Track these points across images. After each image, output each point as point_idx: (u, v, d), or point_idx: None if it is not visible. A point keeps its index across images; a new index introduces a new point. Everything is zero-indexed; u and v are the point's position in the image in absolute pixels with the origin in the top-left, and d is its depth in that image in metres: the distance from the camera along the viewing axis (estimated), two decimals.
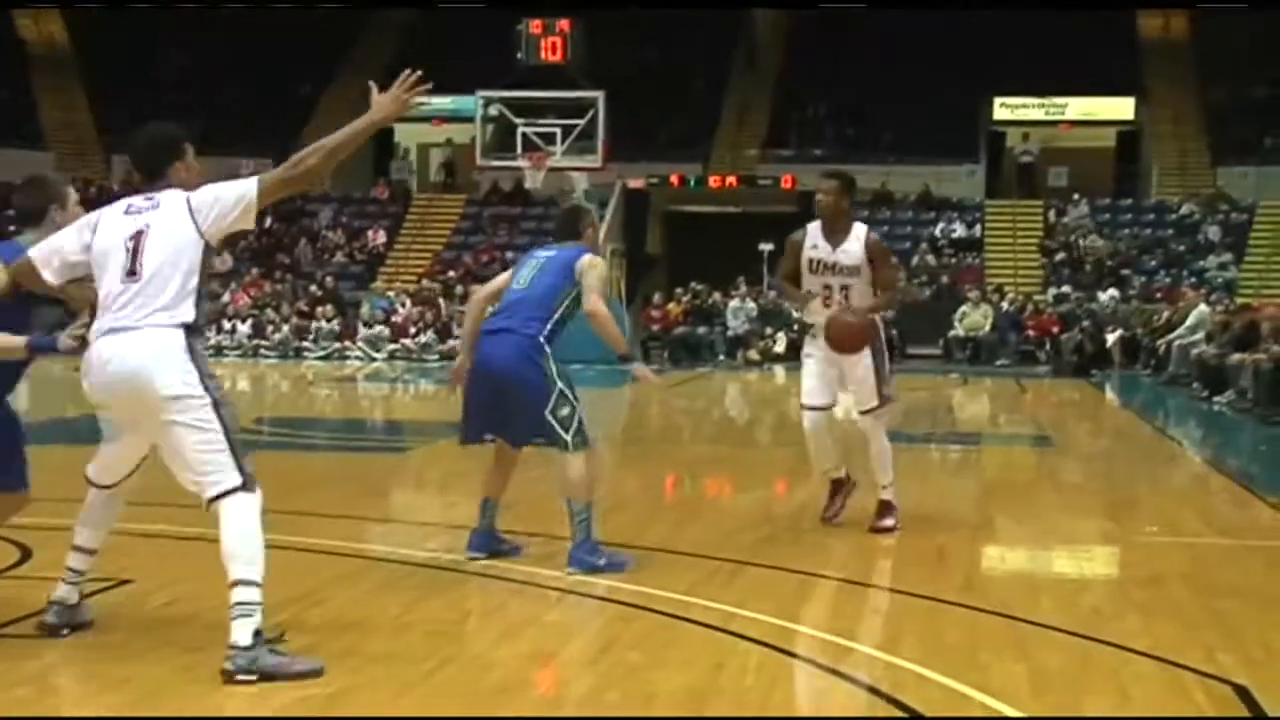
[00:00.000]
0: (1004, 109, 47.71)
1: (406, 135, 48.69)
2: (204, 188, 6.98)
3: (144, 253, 6.79)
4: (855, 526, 11.67)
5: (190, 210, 6.84)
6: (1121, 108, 48.27)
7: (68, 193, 7.27)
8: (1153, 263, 40.69)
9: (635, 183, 41.83)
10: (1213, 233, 42.24)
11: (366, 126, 7.58)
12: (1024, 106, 48.03)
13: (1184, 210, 44.12)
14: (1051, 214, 43.88)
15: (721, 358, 36.23)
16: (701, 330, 37.50)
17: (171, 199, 6.93)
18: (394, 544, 10.60)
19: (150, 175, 7.16)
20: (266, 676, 6.49)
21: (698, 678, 6.99)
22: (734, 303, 37.72)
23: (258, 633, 6.59)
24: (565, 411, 9.34)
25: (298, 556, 9.43)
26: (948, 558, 10.54)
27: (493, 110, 39.22)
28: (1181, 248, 41.96)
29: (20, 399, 8.38)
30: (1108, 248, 41.53)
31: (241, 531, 6.76)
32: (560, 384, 9.38)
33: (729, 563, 9.82)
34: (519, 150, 38.45)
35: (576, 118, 37.96)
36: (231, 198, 6.86)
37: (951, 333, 36.74)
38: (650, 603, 8.46)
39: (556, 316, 9.56)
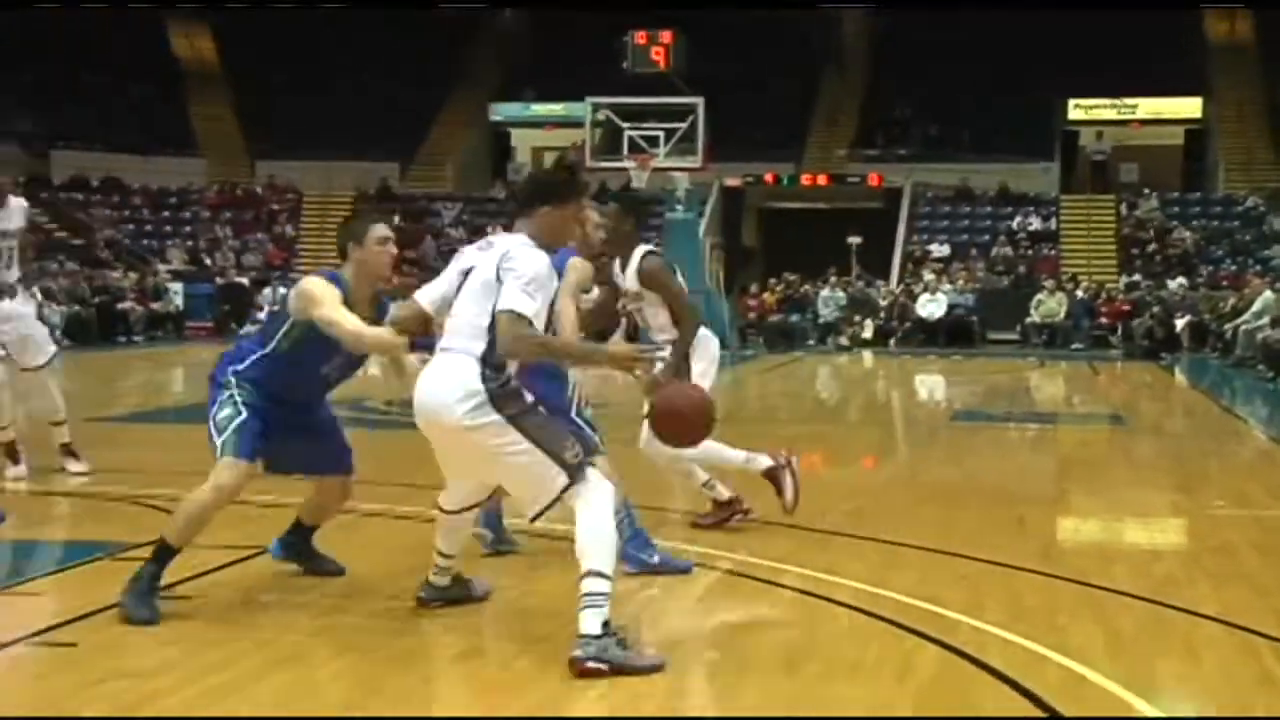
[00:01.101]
0: (1078, 109, 47.31)
1: (522, 140, 48.84)
2: (519, 266, 6.47)
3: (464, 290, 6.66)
4: (938, 499, 11.60)
5: (499, 266, 6.50)
6: (1189, 107, 47.76)
7: (367, 230, 7.20)
8: (1219, 252, 40.22)
9: (732, 181, 41.78)
10: (1277, 224, 41.72)
11: (592, 355, 7.36)
12: (1096, 107, 47.61)
13: (1249, 203, 43.63)
14: (1123, 208, 43.45)
15: (812, 343, 36.06)
16: (794, 318, 37.37)
17: (504, 244, 6.67)
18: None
19: (519, 211, 6.97)
20: (615, 669, 6.13)
21: (793, 637, 6.97)
22: (824, 292, 37.58)
23: (606, 624, 6.21)
24: None
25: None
26: (1027, 528, 10.45)
27: (601, 116, 39.25)
28: (1247, 238, 41.50)
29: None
30: (1192, 240, 41.12)
31: (587, 525, 6.40)
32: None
33: (820, 533, 9.76)
34: (625, 152, 38.46)
35: (678, 121, 37.93)
36: (516, 292, 6.38)
37: (1028, 319, 36.45)
38: (747, 569, 8.43)
39: None
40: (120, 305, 35.13)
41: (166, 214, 42.69)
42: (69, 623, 7.02)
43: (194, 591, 7.63)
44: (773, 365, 30.39)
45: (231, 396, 7.10)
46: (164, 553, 6.94)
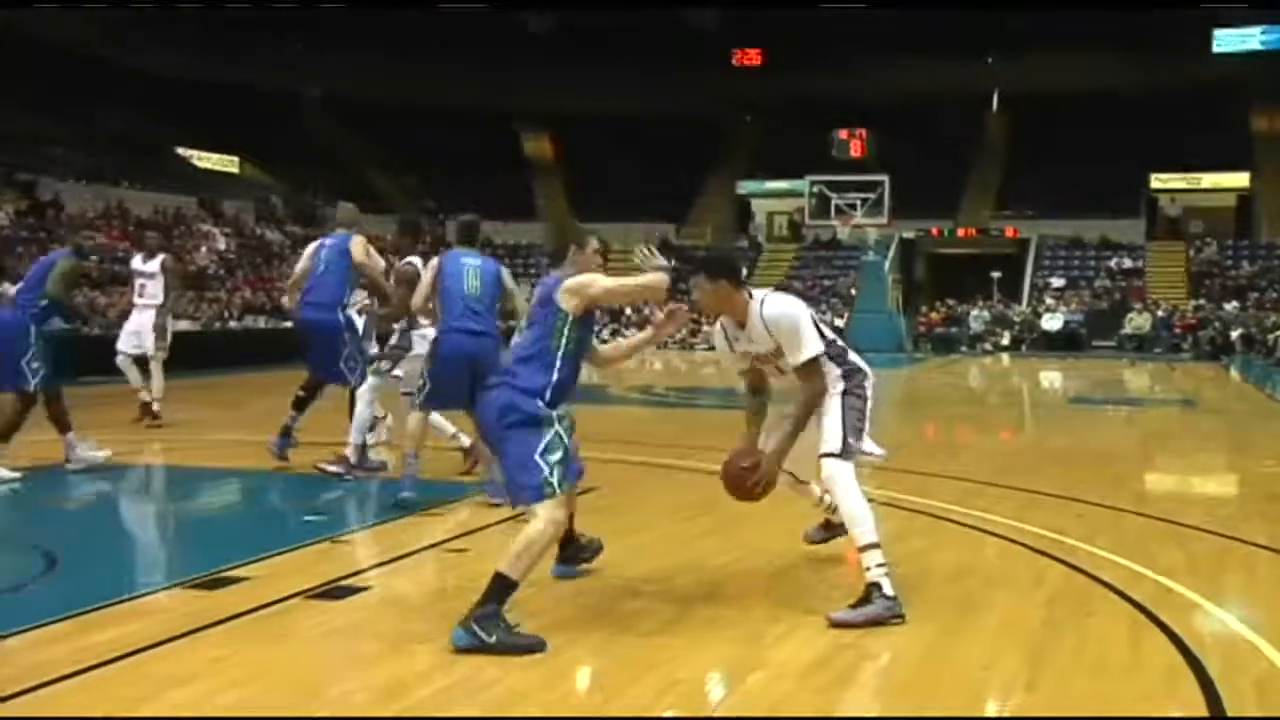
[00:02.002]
0: (1158, 180, 45.69)
1: (759, 206, 48.69)
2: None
3: None
4: (1060, 460, 11.36)
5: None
6: (1240, 179, 45.94)
7: (588, 241, 6.74)
8: (1264, 283, 38.45)
9: (909, 234, 41.30)
10: None
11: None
12: (1172, 179, 45.98)
13: None
14: (1191, 251, 41.92)
15: (965, 348, 35.34)
16: (953, 330, 36.71)
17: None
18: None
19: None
20: (871, 621, 5.26)
21: (960, 557, 6.89)
22: (974, 311, 36.88)
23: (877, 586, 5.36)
24: None
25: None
26: (1124, 480, 10.16)
27: (815, 189, 39.22)
28: None
29: None
30: (1243, 274, 39.53)
31: (839, 497, 5.57)
32: None
33: (976, 483, 9.60)
34: (833, 215, 38.53)
35: (870, 192, 37.92)
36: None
37: (1122, 331, 35.43)
38: (926, 508, 8.33)
39: None
40: None
41: (519, 262, 43.41)
42: (459, 536, 7.23)
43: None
44: (938, 365, 29.90)
45: (557, 434, 5.18)
46: (504, 588, 5.00)
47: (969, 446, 13.91)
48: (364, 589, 5.91)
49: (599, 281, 5.56)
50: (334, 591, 5.78)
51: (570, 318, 5.41)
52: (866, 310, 35.14)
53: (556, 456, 5.17)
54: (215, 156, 42.30)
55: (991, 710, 4.46)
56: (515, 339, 6.10)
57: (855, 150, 44.08)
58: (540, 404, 5.25)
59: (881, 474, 9.99)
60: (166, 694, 4.29)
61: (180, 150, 40.30)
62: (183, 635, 4.95)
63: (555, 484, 5.14)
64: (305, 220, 38.91)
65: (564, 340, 5.39)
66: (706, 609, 5.61)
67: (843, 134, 44.35)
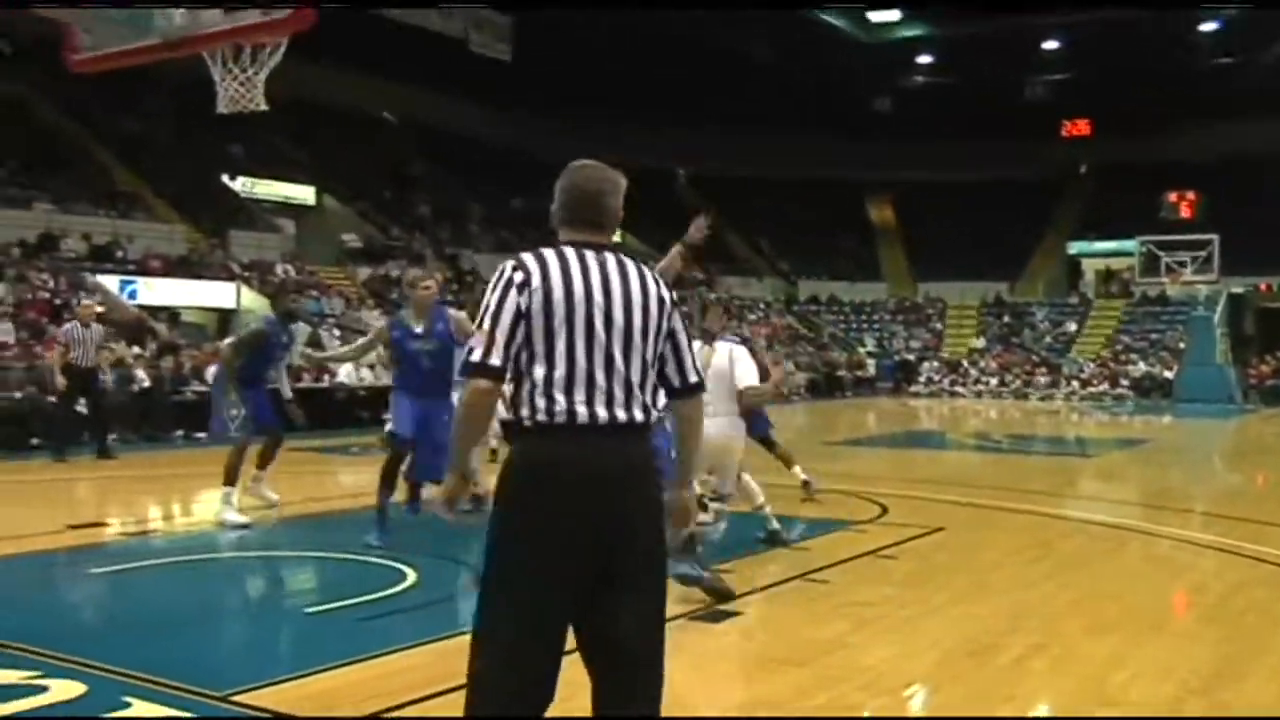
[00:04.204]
0: None
1: (1089, 265, 46.51)
2: None
3: None
4: None
5: None
6: None
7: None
8: None
9: (1236, 289, 38.56)
10: None
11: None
12: None
13: None
14: None
15: None
16: None
17: None
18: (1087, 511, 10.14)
19: None
20: None
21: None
22: None
23: None
24: None
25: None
26: None
27: (1144, 248, 37.35)
28: None
29: None
30: None
31: None
32: None
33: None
34: (1162, 272, 36.61)
35: (1199, 251, 35.83)
36: None
37: None
38: (1264, 555, 7.69)
39: None
40: (837, 373, 35.79)
41: (863, 317, 43.09)
42: (824, 568, 7.20)
43: (897, 553, 7.73)
44: (1268, 416, 27.67)
45: None
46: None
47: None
48: (737, 614, 6.02)
49: None
50: (713, 615, 5.91)
51: None
52: (1196, 363, 33.17)
53: None
54: None
55: None
56: None
57: (1184, 211, 41.69)
58: None
59: (1218, 522, 9.42)
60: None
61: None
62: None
63: None
64: (676, 284, 40.00)
65: None
66: (1055, 646, 5.41)
67: (1172, 197, 42.04)
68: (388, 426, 8.61)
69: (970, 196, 44.47)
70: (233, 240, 28.00)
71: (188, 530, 8.94)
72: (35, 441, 14.81)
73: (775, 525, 8.16)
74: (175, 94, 27.31)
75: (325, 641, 5.38)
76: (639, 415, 2.98)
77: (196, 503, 10.44)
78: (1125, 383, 34.48)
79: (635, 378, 3.00)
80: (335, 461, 14.11)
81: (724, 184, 45.40)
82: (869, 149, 46.07)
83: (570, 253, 3.04)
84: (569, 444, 2.91)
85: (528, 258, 3.02)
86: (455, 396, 8.17)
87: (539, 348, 2.94)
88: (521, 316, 2.94)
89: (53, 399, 14.12)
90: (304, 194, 33.87)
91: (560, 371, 2.93)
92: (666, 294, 3.11)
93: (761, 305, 40.74)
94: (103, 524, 9.20)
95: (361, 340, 9.32)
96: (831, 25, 40.81)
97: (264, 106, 8.10)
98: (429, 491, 9.16)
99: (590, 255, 3.05)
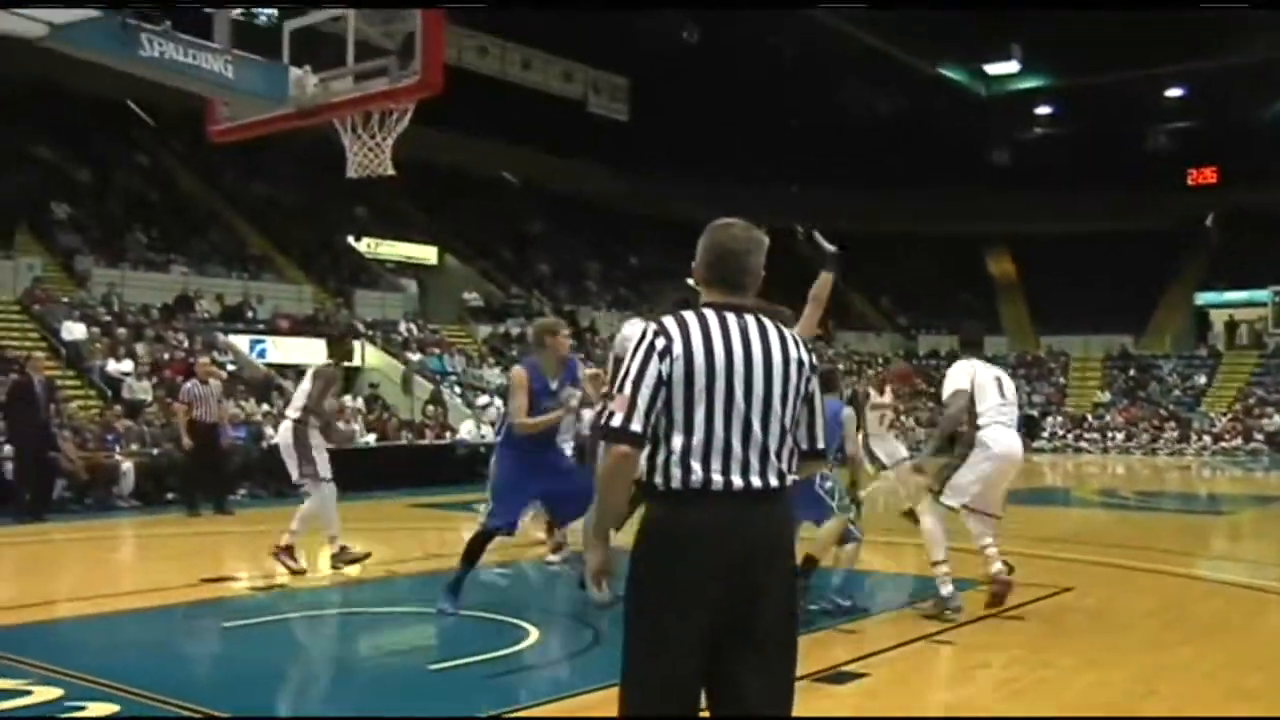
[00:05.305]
0: None
1: (1217, 316, 45.12)
2: None
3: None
4: None
5: None
6: None
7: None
8: None
9: None
10: None
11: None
12: None
13: None
14: None
15: None
16: None
17: None
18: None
19: None
20: None
21: None
22: None
23: None
24: None
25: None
26: None
27: (1276, 298, 36.21)
28: None
29: None
30: None
31: None
32: None
33: None
34: None
35: None
36: None
37: None
38: None
39: None
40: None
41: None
42: (949, 629, 7.06)
43: (1024, 614, 7.51)
44: None
45: None
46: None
47: None
48: (864, 675, 5.90)
49: None
50: (838, 676, 5.80)
51: None
52: None
53: None
54: None
55: None
56: None
57: None
58: None
59: None
60: None
61: (690, 280, 42.36)
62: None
63: None
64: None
65: None
66: (1194, 715, 5.18)
67: None
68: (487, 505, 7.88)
69: (1092, 248, 43.54)
70: (358, 300, 28.66)
71: (311, 586, 9.08)
72: (170, 496, 15.42)
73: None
74: (301, 159, 28.24)
75: (448, 698, 5.41)
76: (774, 482, 2.99)
77: (319, 558, 10.61)
78: (1259, 437, 33.23)
79: (772, 445, 3.00)
80: (455, 518, 14.24)
81: (841, 240, 45.30)
82: (987, 202, 45.50)
83: (711, 316, 3.04)
84: (705, 512, 2.93)
85: (669, 322, 3.03)
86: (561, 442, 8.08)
87: (678, 415, 2.95)
88: (663, 384, 2.95)
89: (182, 454, 14.52)
90: (426, 254, 34.56)
91: (698, 440, 2.94)
92: (806, 357, 3.10)
93: (881, 360, 40.30)
94: (232, 578, 9.43)
95: (559, 409, 7.49)
96: (950, 80, 40.56)
97: (391, 171, 8.28)
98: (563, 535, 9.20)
99: (731, 318, 3.04)
